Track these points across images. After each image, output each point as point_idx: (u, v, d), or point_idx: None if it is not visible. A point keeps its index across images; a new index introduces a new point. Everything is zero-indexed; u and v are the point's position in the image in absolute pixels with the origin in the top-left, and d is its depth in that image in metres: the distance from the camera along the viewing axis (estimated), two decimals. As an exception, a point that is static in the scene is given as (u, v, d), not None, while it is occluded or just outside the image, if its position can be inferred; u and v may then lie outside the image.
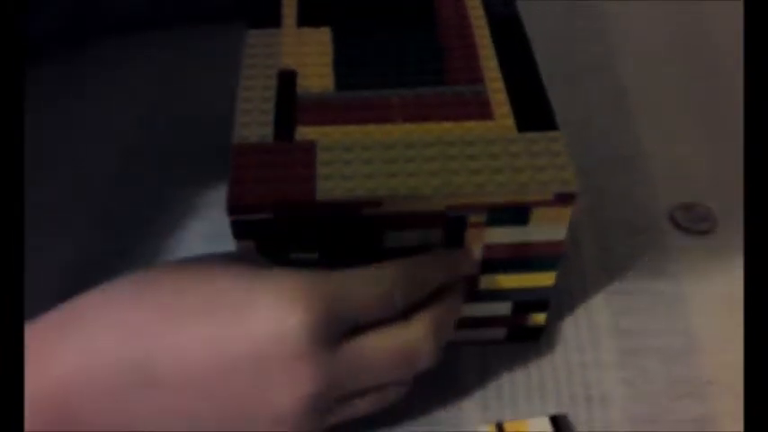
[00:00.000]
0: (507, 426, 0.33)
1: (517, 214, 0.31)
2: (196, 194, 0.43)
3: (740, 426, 0.34)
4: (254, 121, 0.33)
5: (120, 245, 0.41)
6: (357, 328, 0.28)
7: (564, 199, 0.30)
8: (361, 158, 0.31)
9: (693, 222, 0.42)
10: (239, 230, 0.30)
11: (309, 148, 0.31)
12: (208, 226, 0.42)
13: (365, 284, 0.28)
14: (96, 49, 0.52)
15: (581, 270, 0.40)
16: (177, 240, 0.41)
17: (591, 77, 0.51)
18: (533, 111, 0.33)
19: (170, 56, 0.52)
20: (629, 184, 0.45)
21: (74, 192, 0.43)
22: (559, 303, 0.38)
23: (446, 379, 0.35)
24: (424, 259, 0.30)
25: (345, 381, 0.28)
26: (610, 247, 0.41)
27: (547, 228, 0.31)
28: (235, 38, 0.37)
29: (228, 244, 0.40)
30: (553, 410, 0.34)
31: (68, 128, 0.47)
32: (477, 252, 0.32)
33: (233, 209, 0.29)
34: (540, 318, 0.36)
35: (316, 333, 0.26)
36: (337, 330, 0.27)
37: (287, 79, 0.35)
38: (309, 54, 0.36)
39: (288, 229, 0.30)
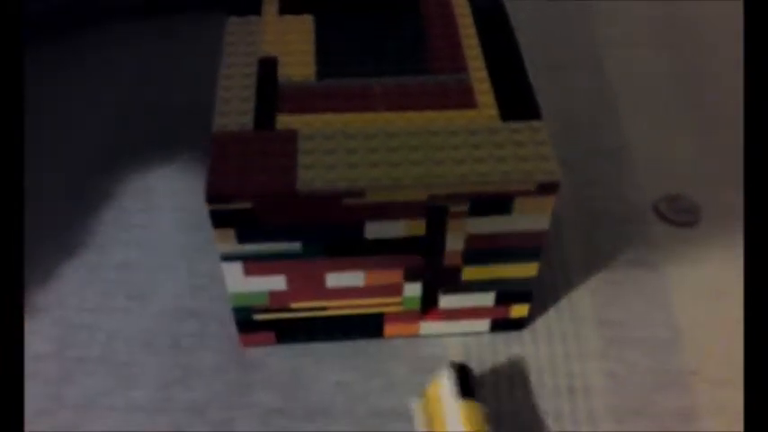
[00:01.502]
0: (428, 391, 0.32)
1: (500, 204, 0.30)
2: (177, 182, 0.43)
3: (724, 415, 0.34)
4: (234, 110, 0.32)
5: (97, 234, 0.40)
6: None
7: (546, 188, 0.30)
8: (342, 148, 0.31)
9: (677, 214, 0.42)
10: (218, 219, 0.30)
11: (290, 136, 0.31)
12: (187, 214, 0.41)
13: None
14: (84, 37, 0.51)
15: (565, 261, 0.40)
16: (154, 229, 0.41)
17: (576, 72, 0.51)
18: (517, 100, 0.33)
19: (157, 43, 0.52)
20: (614, 176, 0.44)
21: (53, 177, 0.43)
22: (543, 295, 0.38)
23: (430, 371, 0.35)
24: None
25: None
26: (594, 239, 0.41)
27: (530, 217, 0.31)
28: (222, 25, 0.37)
29: (207, 233, 0.40)
30: (538, 401, 0.34)
31: (53, 113, 0.46)
32: (460, 242, 0.32)
33: (211, 198, 0.29)
34: (523, 309, 0.36)
35: None
36: None
37: (268, 67, 0.34)
38: (291, 42, 0.35)
39: (268, 219, 0.30)
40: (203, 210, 0.29)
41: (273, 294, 0.33)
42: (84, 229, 0.41)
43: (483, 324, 0.36)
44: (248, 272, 0.32)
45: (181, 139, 0.45)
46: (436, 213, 0.31)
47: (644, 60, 0.52)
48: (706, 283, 0.39)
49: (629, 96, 0.49)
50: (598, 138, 0.47)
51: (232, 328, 0.36)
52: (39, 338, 0.36)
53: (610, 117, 0.48)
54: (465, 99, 0.33)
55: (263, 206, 0.29)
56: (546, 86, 0.49)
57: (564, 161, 0.44)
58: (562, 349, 0.36)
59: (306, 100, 0.33)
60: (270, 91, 0.33)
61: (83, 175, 0.43)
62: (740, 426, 0.34)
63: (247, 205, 0.29)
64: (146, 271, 0.39)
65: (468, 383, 0.32)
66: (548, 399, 0.34)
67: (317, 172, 0.30)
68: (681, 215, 0.42)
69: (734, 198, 0.43)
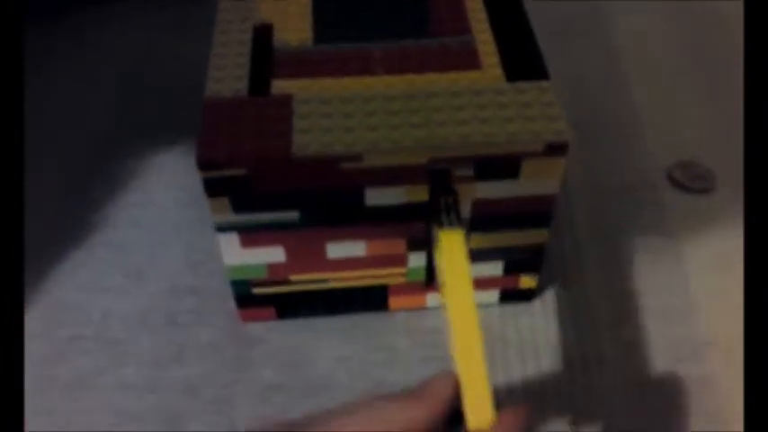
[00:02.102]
0: None
1: (507, 167, 0.29)
2: (175, 160, 0.42)
3: (739, 386, 0.32)
4: (227, 76, 0.31)
5: (96, 214, 0.39)
6: None
7: (556, 149, 0.29)
8: (339, 112, 0.29)
9: (692, 181, 0.41)
10: (212, 187, 0.28)
11: (286, 101, 0.30)
12: (185, 193, 0.40)
13: None
14: (84, 16, 0.50)
15: (575, 230, 0.39)
16: (153, 208, 0.40)
17: (585, 38, 0.50)
18: (523, 60, 0.32)
19: (157, 21, 0.51)
20: (627, 143, 0.43)
21: (50, 160, 0.42)
22: (553, 264, 0.37)
23: (433, 344, 0.34)
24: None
25: None
26: (606, 207, 0.40)
27: (539, 181, 0.30)
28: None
29: (205, 209, 0.39)
30: (547, 372, 0.33)
31: (50, 95, 0.45)
32: (466, 208, 0.30)
33: (203, 164, 0.28)
34: (532, 279, 0.34)
35: None
36: None
37: (263, 33, 0.33)
38: (287, 7, 0.34)
39: (263, 186, 0.29)
40: (200, 186, 0.28)
41: (272, 266, 0.32)
42: (82, 210, 0.40)
43: (492, 295, 0.35)
44: (245, 243, 0.31)
45: (181, 117, 0.44)
46: (438, 177, 0.29)
47: (655, 27, 0.50)
48: (720, 250, 0.38)
49: (640, 63, 0.48)
50: (609, 105, 0.45)
51: (231, 304, 0.35)
52: (32, 318, 0.35)
53: (621, 84, 0.46)
54: (468, 60, 0.32)
55: (258, 172, 0.28)
56: (554, 54, 0.47)
57: (574, 126, 0.43)
58: (573, 320, 0.35)
59: (302, 65, 0.31)
60: (265, 56, 0.32)
61: (81, 156, 0.42)
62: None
63: (241, 171, 0.28)
64: (143, 249, 0.38)
65: (451, 210, 0.30)
66: (559, 370, 0.33)
67: (313, 136, 0.28)
68: (696, 182, 0.41)
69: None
